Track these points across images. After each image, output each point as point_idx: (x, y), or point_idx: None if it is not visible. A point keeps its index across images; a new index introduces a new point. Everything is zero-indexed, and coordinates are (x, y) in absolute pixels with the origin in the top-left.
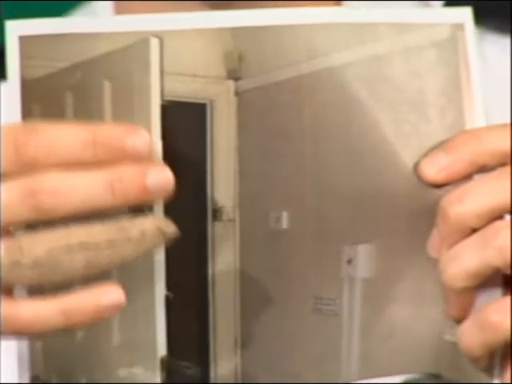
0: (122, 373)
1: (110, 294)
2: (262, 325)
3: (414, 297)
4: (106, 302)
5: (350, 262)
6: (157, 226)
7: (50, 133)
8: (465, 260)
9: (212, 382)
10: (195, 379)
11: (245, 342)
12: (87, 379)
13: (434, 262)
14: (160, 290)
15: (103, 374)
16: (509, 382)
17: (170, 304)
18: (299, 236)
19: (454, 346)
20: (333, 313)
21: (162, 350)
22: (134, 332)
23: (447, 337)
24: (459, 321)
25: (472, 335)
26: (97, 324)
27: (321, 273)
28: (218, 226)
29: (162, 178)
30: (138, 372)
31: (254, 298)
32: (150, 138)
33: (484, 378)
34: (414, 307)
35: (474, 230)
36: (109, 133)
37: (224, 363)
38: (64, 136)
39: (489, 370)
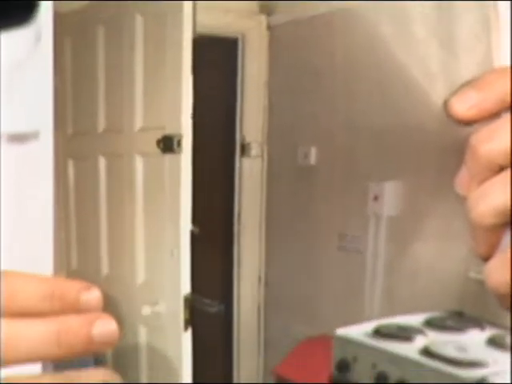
0: (146, 311)
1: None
2: (287, 262)
3: (439, 235)
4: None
5: (376, 198)
6: (103, 379)
7: (14, 281)
8: (494, 197)
9: (235, 319)
10: (219, 317)
11: (269, 279)
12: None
13: (462, 200)
14: (185, 225)
15: (128, 311)
16: None
17: (195, 240)
18: (327, 172)
19: (479, 283)
20: (357, 250)
21: (186, 287)
22: (158, 270)
23: (472, 275)
24: (486, 259)
25: (499, 273)
26: (122, 262)
27: (347, 210)
28: (246, 161)
29: (108, 329)
30: (162, 310)
31: (279, 235)
32: (100, 295)
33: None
34: (439, 245)
35: (503, 168)
36: (67, 288)
37: (248, 301)
38: (26, 286)
39: None
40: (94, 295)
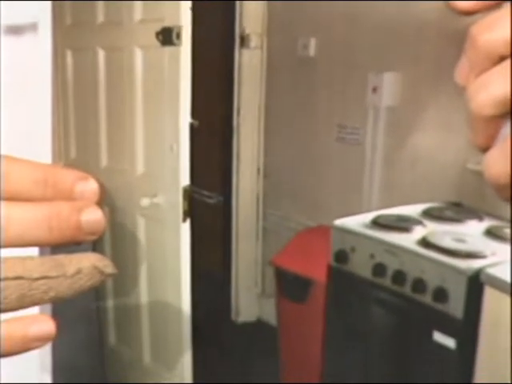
0: (145, 202)
1: (40, 325)
2: (286, 154)
3: (438, 126)
4: (34, 333)
5: (375, 90)
6: (94, 264)
7: (9, 164)
8: (493, 87)
9: (234, 210)
10: (218, 208)
11: (268, 171)
12: (109, 207)
13: (461, 91)
14: (185, 117)
15: (127, 203)
16: None
17: (194, 132)
18: (326, 64)
19: (477, 175)
20: (356, 142)
21: (185, 179)
22: (157, 162)
23: (471, 166)
24: (484, 150)
25: (498, 163)
26: (121, 154)
27: (346, 101)
28: (246, 53)
29: (95, 217)
30: (161, 202)
31: (278, 126)
32: (97, 186)
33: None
34: (438, 136)
35: (503, 58)
36: (61, 176)
37: (247, 193)
38: (21, 170)
39: (511, 199)
40: (89, 186)
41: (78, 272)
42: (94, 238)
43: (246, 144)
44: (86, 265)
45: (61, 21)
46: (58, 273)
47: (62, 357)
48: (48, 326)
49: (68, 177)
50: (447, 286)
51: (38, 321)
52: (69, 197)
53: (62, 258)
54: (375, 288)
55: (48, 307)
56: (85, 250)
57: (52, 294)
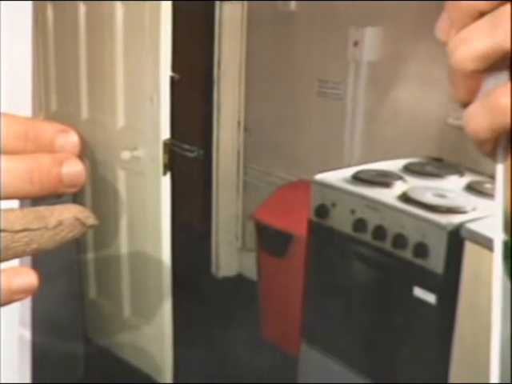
0: (125, 155)
1: (22, 277)
2: (267, 108)
3: (419, 81)
4: (17, 285)
5: (356, 44)
6: (75, 216)
7: None
8: (475, 42)
9: (215, 163)
10: (198, 161)
11: (249, 125)
12: (89, 160)
13: (442, 46)
14: (165, 70)
15: (108, 156)
16: None
17: (175, 86)
18: (307, 18)
19: (458, 130)
20: (337, 96)
21: (165, 132)
22: (138, 116)
23: (451, 121)
24: (465, 105)
25: (479, 118)
26: (101, 107)
27: (327, 56)
28: (227, 6)
29: (76, 170)
30: (141, 155)
31: (259, 80)
32: (78, 139)
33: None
34: (419, 91)
35: (484, 14)
36: (42, 129)
37: (227, 147)
38: (0, 124)
39: (492, 154)
40: (70, 139)
41: (60, 224)
42: (74, 190)
43: (227, 98)
44: (68, 216)
45: None
46: (40, 225)
47: (41, 309)
48: (31, 278)
49: (48, 130)
50: (428, 242)
51: (20, 273)
52: (49, 150)
53: (43, 210)
54: (356, 243)
55: (28, 260)
56: (65, 203)
57: (34, 246)
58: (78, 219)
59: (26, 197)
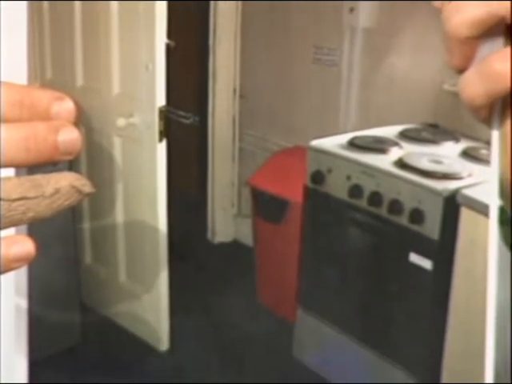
0: (121, 122)
1: (20, 245)
2: (262, 75)
3: (415, 47)
4: (14, 254)
5: (352, 10)
6: (71, 183)
7: None
8: (470, 8)
9: (210, 130)
10: (194, 128)
11: (244, 92)
12: (85, 127)
13: (437, 13)
14: (160, 38)
15: (103, 122)
16: (508, 131)
17: (170, 53)
18: None
19: (454, 96)
20: (333, 63)
21: (160, 99)
22: (133, 83)
23: (447, 87)
24: (461, 71)
25: (474, 84)
26: (97, 74)
27: (322, 22)
28: None
29: (72, 137)
30: (137, 122)
31: (255, 47)
32: (73, 106)
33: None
34: (414, 57)
35: None
36: (37, 96)
37: (223, 114)
38: None
39: (487, 120)
40: (65, 106)
41: (56, 192)
42: (70, 157)
43: (223, 65)
44: (64, 184)
45: None
46: (37, 193)
47: (37, 276)
48: (28, 246)
49: (44, 97)
50: (423, 208)
51: (18, 241)
52: (45, 117)
53: (39, 178)
54: (351, 209)
55: (23, 228)
56: (61, 171)
57: (31, 214)
58: (74, 187)
59: (22, 165)
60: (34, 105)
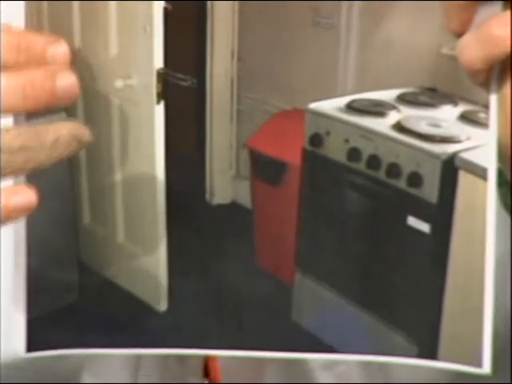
0: (119, 83)
1: (21, 195)
2: (260, 38)
3: (413, 10)
4: (16, 203)
5: None
6: (71, 132)
7: None
8: None
9: (208, 92)
10: (192, 90)
11: (243, 54)
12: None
13: None
14: (158, 5)
15: (101, 85)
16: (507, 95)
17: (168, 15)
18: None
19: (452, 59)
20: (331, 26)
21: (158, 61)
22: (131, 45)
23: (445, 50)
24: (459, 35)
25: (473, 48)
26: (94, 35)
27: None
28: None
29: (69, 82)
30: (134, 84)
31: (253, 10)
32: (68, 49)
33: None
34: (413, 20)
35: None
36: (33, 40)
37: (221, 76)
38: None
39: (485, 84)
40: (61, 49)
41: (56, 141)
42: (68, 102)
43: (220, 27)
44: (64, 133)
45: None
46: (36, 143)
47: (35, 236)
48: (29, 195)
49: (39, 40)
50: (422, 171)
51: (19, 192)
52: (41, 61)
53: (39, 127)
54: (350, 172)
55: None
56: (58, 118)
57: (31, 164)
58: (74, 136)
59: (20, 112)
60: (30, 48)
